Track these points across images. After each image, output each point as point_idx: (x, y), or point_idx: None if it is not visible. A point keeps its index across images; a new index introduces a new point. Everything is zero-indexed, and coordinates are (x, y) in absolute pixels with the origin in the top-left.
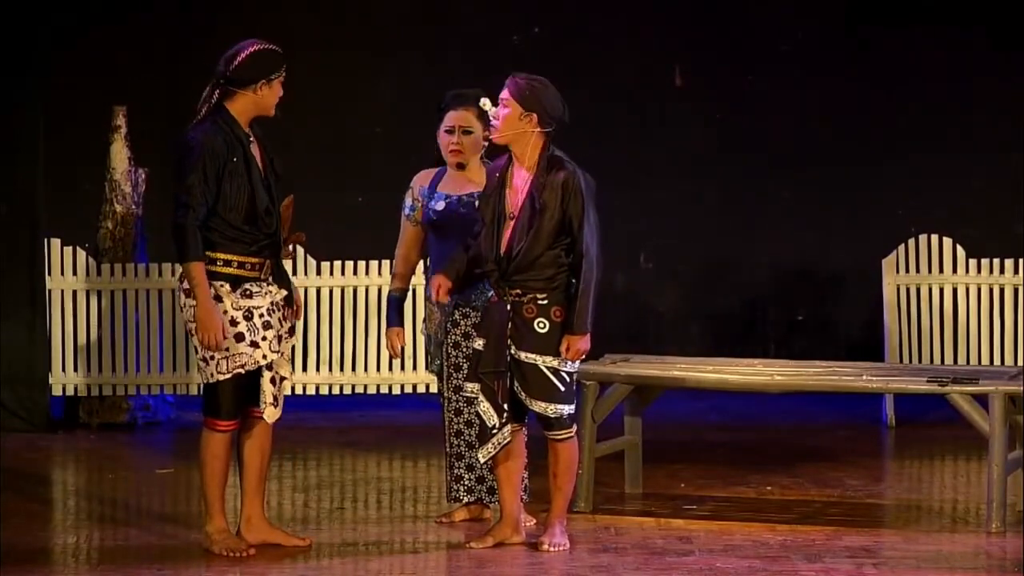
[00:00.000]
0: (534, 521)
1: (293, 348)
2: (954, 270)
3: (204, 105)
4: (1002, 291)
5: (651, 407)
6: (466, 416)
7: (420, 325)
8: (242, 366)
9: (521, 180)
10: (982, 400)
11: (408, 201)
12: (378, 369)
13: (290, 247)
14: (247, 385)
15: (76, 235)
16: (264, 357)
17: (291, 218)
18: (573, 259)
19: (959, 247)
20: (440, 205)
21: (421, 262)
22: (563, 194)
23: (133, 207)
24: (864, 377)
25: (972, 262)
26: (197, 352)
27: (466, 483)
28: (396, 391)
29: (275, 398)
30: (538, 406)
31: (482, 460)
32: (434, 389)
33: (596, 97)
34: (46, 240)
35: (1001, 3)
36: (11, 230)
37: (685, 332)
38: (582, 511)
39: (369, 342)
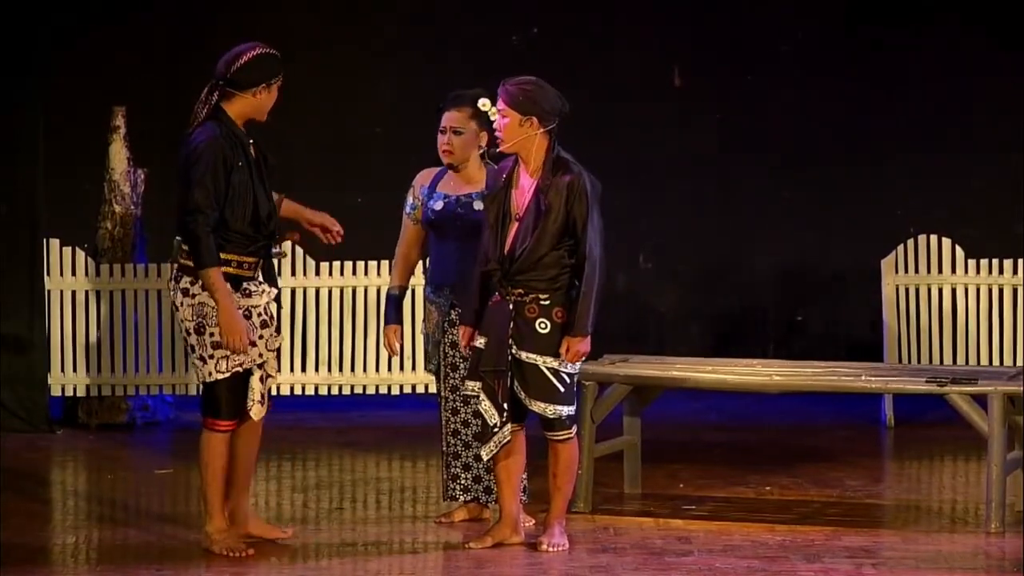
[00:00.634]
0: (532, 521)
1: (292, 348)
2: (953, 270)
3: (203, 107)
4: (1001, 291)
5: (650, 407)
6: (463, 415)
7: (419, 325)
8: (240, 364)
9: (527, 181)
10: (981, 400)
11: (409, 200)
12: (377, 370)
13: (279, 247)
14: (243, 384)
15: (75, 235)
16: (260, 355)
17: (280, 217)
18: (576, 261)
19: (958, 247)
20: (439, 205)
21: (420, 262)
22: (568, 196)
23: (132, 207)
24: (863, 377)
25: (971, 262)
26: (193, 351)
27: (462, 482)
28: (395, 391)
29: (263, 396)
30: (537, 406)
31: (484, 459)
32: (433, 390)
33: (595, 97)
34: (45, 240)
35: (1001, 3)
36: (10, 230)
37: (684, 332)
38: (581, 511)
39: (368, 343)
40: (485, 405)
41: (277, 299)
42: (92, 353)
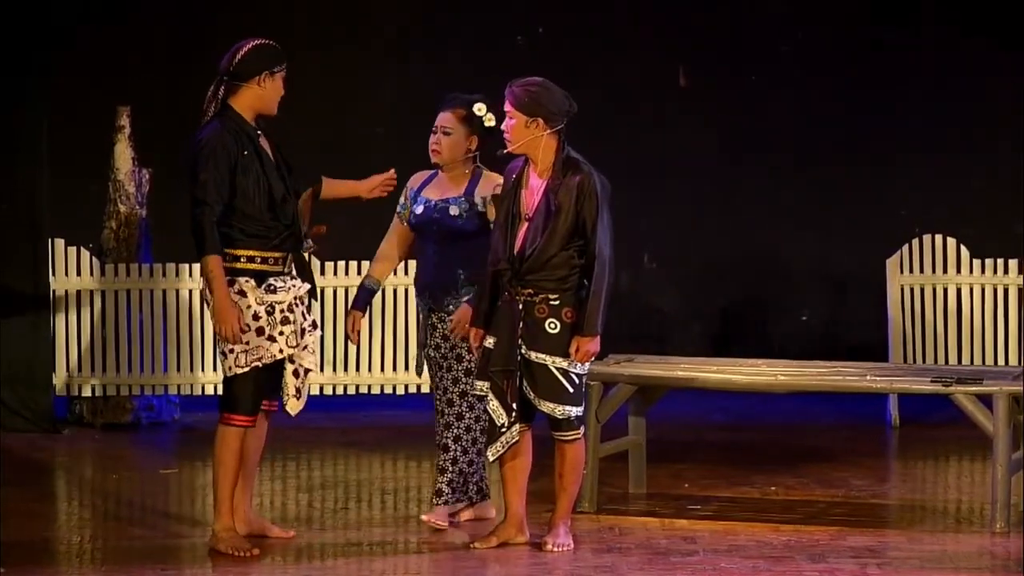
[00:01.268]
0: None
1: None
2: (958, 270)
3: (210, 104)
4: (1006, 291)
5: (655, 407)
6: (446, 418)
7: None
8: (259, 360)
9: (536, 181)
10: (986, 400)
11: (401, 200)
12: (382, 369)
13: (310, 241)
14: (266, 382)
15: (80, 235)
16: (281, 351)
17: (311, 211)
18: (586, 261)
19: (963, 247)
20: (420, 209)
21: (409, 263)
22: (578, 196)
23: (137, 207)
24: (868, 377)
25: (976, 262)
26: (217, 345)
27: (447, 478)
28: (399, 391)
29: (298, 390)
30: (546, 406)
31: (491, 459)
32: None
33: (599, 97)
34: (50, 240)
35: (1002, 4)
36: (14, 230)
37: (689, 332)
38: (586, 511)
39: (372, 343)
40: (493, 405)
41: (313, 295)
42: (97, 353)
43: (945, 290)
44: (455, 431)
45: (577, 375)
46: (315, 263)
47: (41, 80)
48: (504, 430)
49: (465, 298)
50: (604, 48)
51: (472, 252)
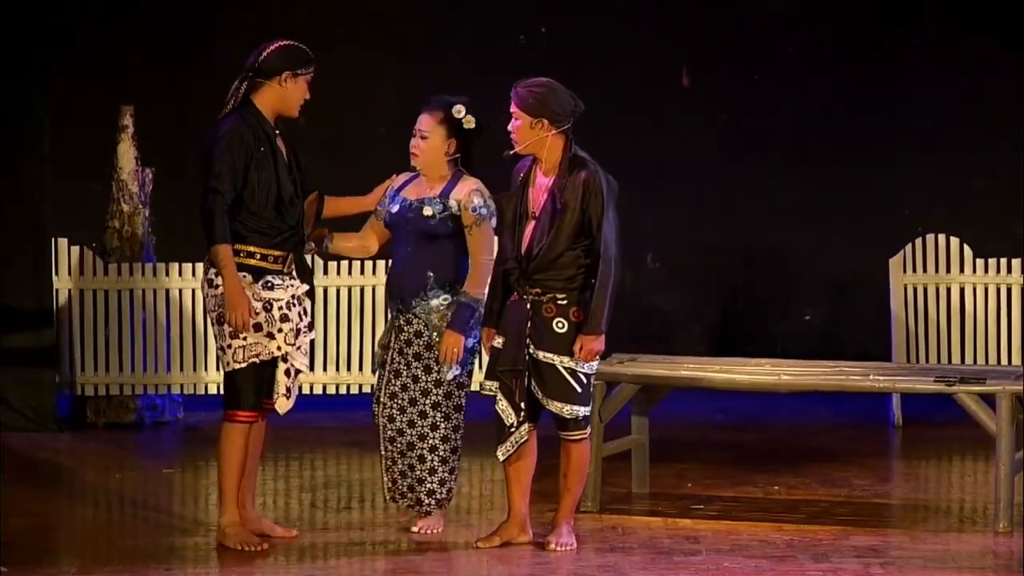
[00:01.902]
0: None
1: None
2: (961, 270)
3: (232, 98)
4: (1009, 291)
5: (658, 407)
6: (398, 424)
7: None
8: (257, 356)
9: (543, 180)
10: (989, 400)
11: (385, 199)
12: None
13: (312, 243)
14: (264, 378)
15: (83, 235)
16: (279, 349)
17: (315, 214)
18: (592, 260)
19: (966, 247)
20: (395, 208)
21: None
22: (584, 194)
23: (140, 207)
24: (871, 377)
25: (979, 262)
26: (217, 341)
27: (400, 488)
28: None
29: (288, 390)
30: (554, 406)
31: (500, 459)
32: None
33: (602, 97)
34: (53, 240)
35: (1003, 4)
36: (17, 230)
37: (692, 332)
38: (589, 511)
39: (375, 343)
40: (502, 405)
41: (311, 296)
42: (100, 352)
43: (948, 290)
44: (431, 441)
45: (585, 375)
46: (317, 263)
47: (43, 80)
48: (513, 430)
49: (432, 301)
50: (606, 48)
51: (443, 255)
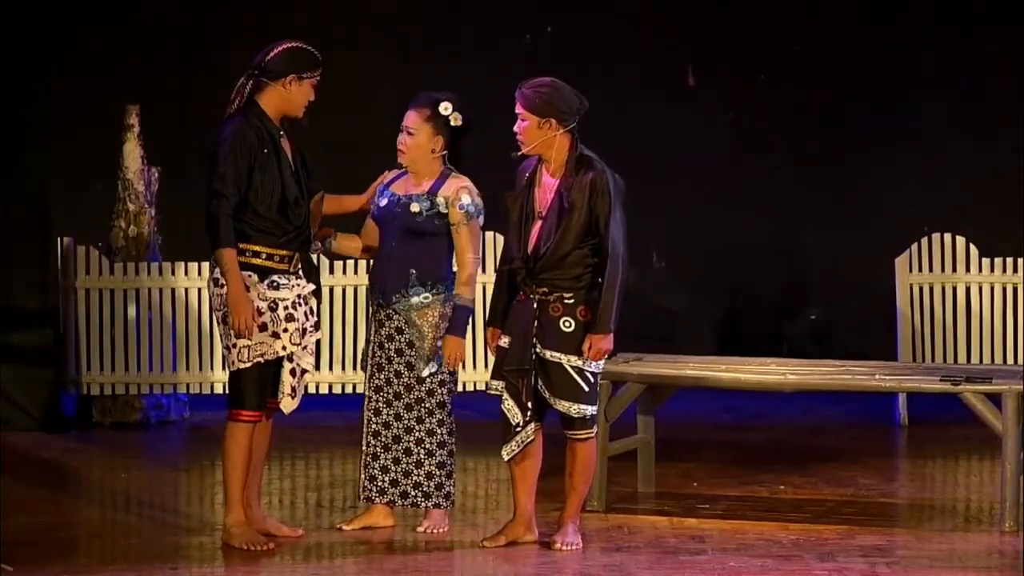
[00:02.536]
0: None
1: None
2: (967, 269)
3: (236, 97)
4: (1016, 290)
5: (664, 406)
6: (384, 417)
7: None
8: (262, 355)
9: (550, 180)
10: (995, 399)
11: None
12: None
13: (318, 243)
14: (271, 377)
15: (89, 234)
16: (284, 348)
17: (320, 214)
18: (599, 259)
19: (972, 246)
20: (383, 202)
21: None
22: (591, 193)
23: (146, 206)
24: (877, 376)
25: (985, 261)
26: (222, 340)
27: (379, 484)
28: None
29: (293, 389)
30: (562, 405)
31: (505, 458)
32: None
33: (607, 96)
34: (59, 239)
35: (1006, 3)
36: (23, 230)
37: (697, 331)
38: (595, 510)
39: None
40: (508, 404)
41: (317, 296)
42: (106, 352)
43: (954, 289)
44: (416, 434)
45: (592, 373)
46: (323, 262)
47: (47, 80)
48: (519, 429)
49: (413, 298)
50: (611, 47)
51: (427, 252)
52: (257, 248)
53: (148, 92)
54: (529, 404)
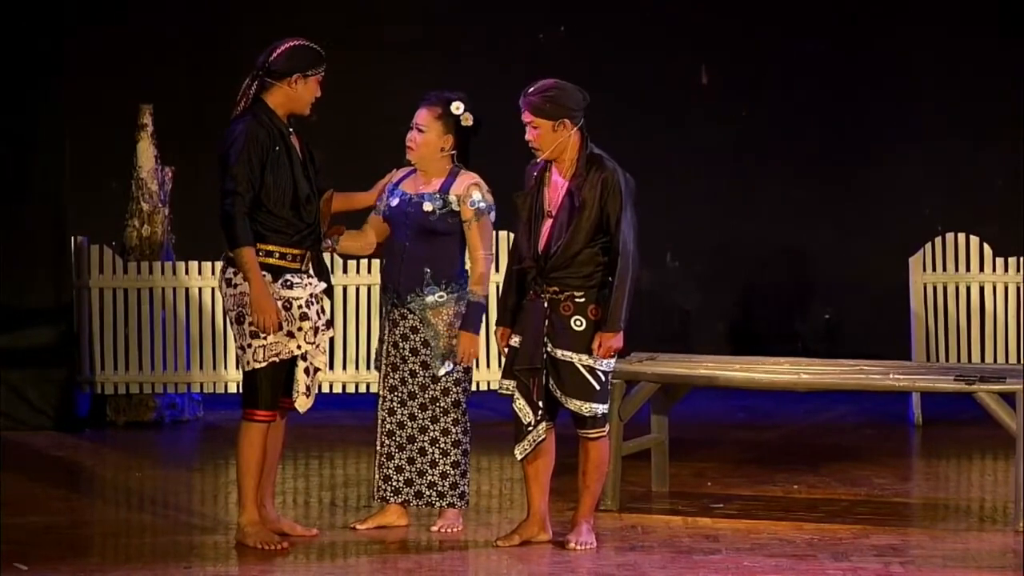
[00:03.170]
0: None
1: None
2: (981, 268)
3: (243, 97)
4: None
5: (677, 406)
6: (399, 416)
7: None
8: (277, 355)
9: (560, 179)
10: (1009, 399)
11: (383, 193)
12: None
13: (329, 240)
14: (285, 377)
15: (103, 234)
16: (299, 347)
17: (330, 211)
18: (610, 257)
19: (986, 245)
20: (394, 201)
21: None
22: (602, 192)
23: (159, 205)
24: (891, 376)
25: (999, 260)
26: (236, 340)
27: (394, 484)
28: None
29: (307, 388)
30: (573, 404)
31: (518, 457)
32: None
33: (620, 95)
34: (73, 239)
35: None
36: (37, 229)
37: (711, 330)
38: (609, 509)
39: None
40: (519, 404)
41: (329, 294)
42: (120, 351)
43: (968, 288)
44: (431, 434)
45: (603, 372)
46: (337, 261)
47: (60, 80)
48: (531, 429)
49: (428, 297)
50: (625, 46)
51: (440, 251)
52: (271, 247)
53: (162, 92)
54: (540, 403)
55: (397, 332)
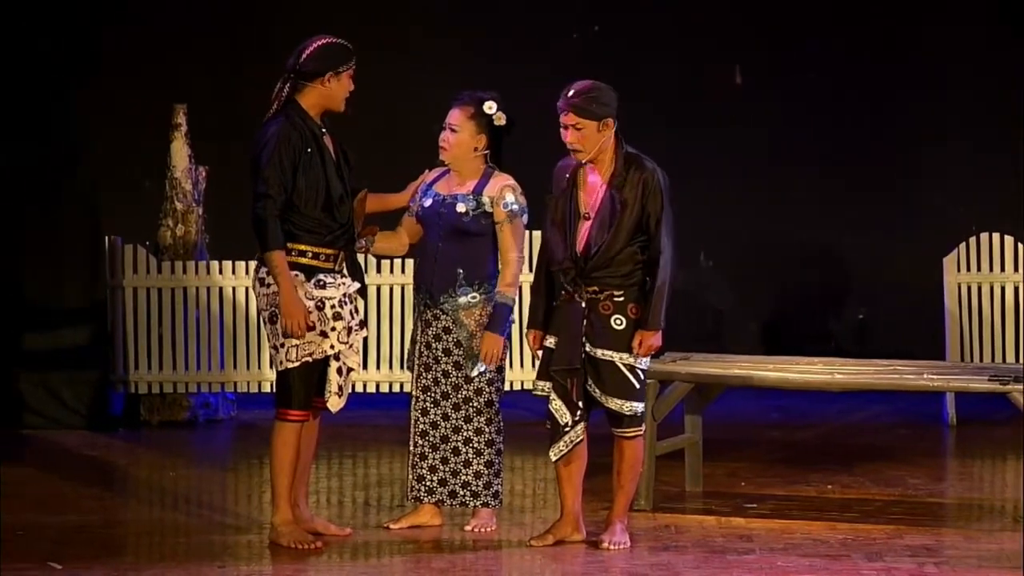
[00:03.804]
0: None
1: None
2: (1015, 268)
3: (276, 99)
4: None
5: (711, 405)
6: (432, 416)
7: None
8: (310, 355)
9: (596, 179)
10: None
11: (416, 193)
12: None
13: (363, 240)
14: (318, 376)
15: (137, 234)
16: (332, 347)
17: (364, 212)
18: (648, 257)
19: (1020, 245)
20: (428, 202)
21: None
22: (643, 192)
23: (193, 205)
24: (925, 376)
25: None
26: (269, 340)
27: (427, 484)
28: None
29: (340, 388)
30: (614, 403)
31: (554, 459)
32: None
33: (654, 94)
34: (107, 239)
35: None
36: (71, 230)
37: (745, 330)
38: (642, 509)
39: None
40: (556, 405)
41: (363, 294)
42: (153, 351)
43: (1002, 288)
44: (464, 433)
45: (642, 371)
46: (370, 261)
47: (94, 80)
48: (568, 429)
49: (461, 298)
50: (658, 46)
51: (473, 252)
52: (303, 247)
53: (196, 91)
54: (580, 403)
55: (430, 332)
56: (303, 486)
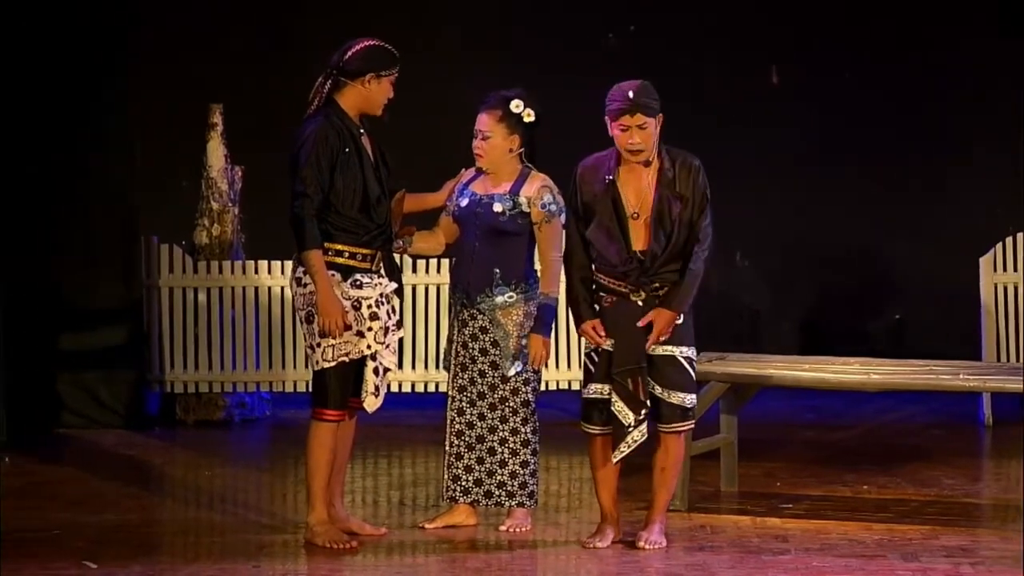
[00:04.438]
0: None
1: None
2: None
3: (315, 96)
4: None
5: (747, 405)
6: (468, 416)
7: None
8: (346, 355)
9: (641, 176)
10: None
11: (453, 193)
12: None
13: (400, 241)
14: (354, 376)
15: (173, 234)
16: (368, 347)
17: (402, 212)
18: (688, 245)
19: None
20: (464, 202)
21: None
22: (694, 184)
23: (229, 205)
24: (961, 376)
25: None
26: (306, 339)
27: (463, 484)
28: None
29: (377, 388)
30: (676, 397)
31: (614, 461)
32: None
33: (690, 95)
34: (143, 238)
35: None
36: (107, 229)
37: (781, 330)
38: (677, 509)
39: None
40: (618, 406)
41: (399, 294)
42: (189, 350)
43: None
44: (500, 433)
45: (695, 363)
46: (405, 261)
47: (130, 80)
48: (630, 429)
49: (498, 298)
50: (695, 46)
51: (510, 252)
52: (340, 247)
53: (232, 91)
54: (647, 401)
55: (466, 332)
56: (339, 486)
